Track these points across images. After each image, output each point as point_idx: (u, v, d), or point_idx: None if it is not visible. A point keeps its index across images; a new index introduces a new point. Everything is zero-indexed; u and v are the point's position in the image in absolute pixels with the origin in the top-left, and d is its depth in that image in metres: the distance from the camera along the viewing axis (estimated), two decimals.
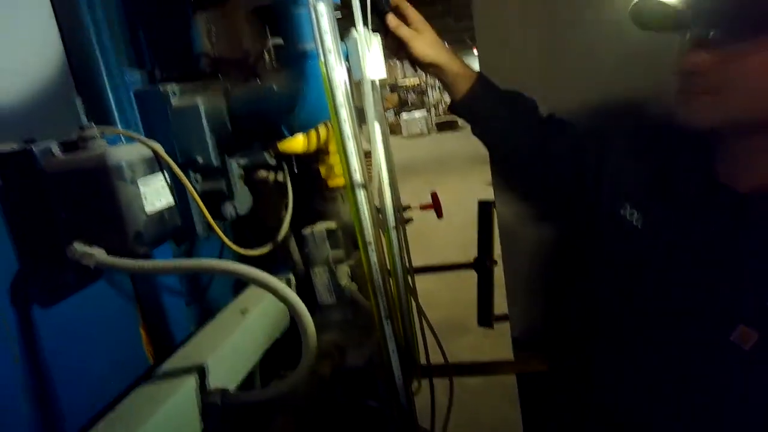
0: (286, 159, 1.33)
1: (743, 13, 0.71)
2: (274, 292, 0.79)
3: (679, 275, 0.86)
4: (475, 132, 1.26)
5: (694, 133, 0.85)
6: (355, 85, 1.03)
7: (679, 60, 0.80)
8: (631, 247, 0.96)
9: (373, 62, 1.03)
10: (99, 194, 0.80)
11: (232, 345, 1.02)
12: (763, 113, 0.74)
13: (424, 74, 21.04)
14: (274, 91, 1.06)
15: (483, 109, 1.18)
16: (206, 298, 1.30)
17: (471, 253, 2.02)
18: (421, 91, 21.20)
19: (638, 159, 1.02)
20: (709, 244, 0.82)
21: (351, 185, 0.98)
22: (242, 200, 1.29)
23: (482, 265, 1.92)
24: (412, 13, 1.13)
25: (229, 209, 1.24)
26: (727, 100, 0.75)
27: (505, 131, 1.22)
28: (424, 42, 1.13)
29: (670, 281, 0.87)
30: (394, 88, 20.54)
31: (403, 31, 1.11)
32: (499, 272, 1.86)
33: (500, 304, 1.89)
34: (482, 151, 1.33)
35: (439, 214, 1.32)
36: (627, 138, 1.09)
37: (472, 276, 2.04)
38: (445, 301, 4.88)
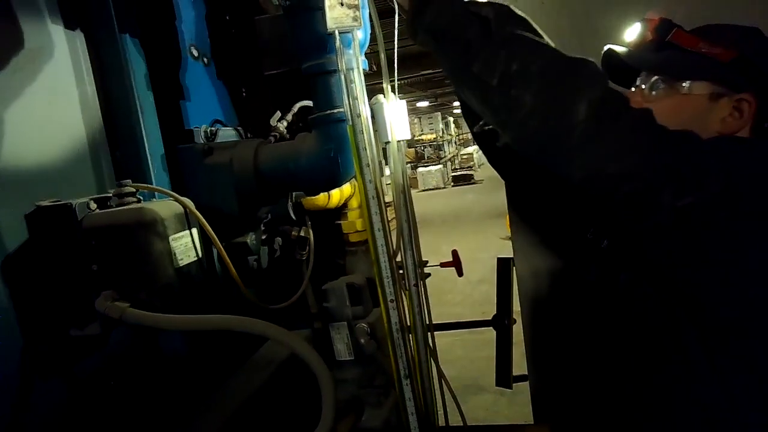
0: (309, 214, 1.35)
1: (655, 69, 0.92)
2: (297, 352, 0.79)
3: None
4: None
5: None
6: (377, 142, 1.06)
7: None
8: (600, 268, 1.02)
9: (399, 124, 1.07)
10: (132, 249, 0.82)
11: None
12: None
13: (440, 130, 21.46)
14: (302, 151, 1.10)
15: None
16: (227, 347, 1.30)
17: (486, 308, 2.00)
18: (437, 146, 21.56)
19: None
20: None
21: (374, 243, 1.00)
22: (264, 254, 1.31)
23: (501, 323, 1.89)
24: None
25: (251, 263, 1.26)
26: None
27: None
28: None
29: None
30: (411, 143, 20.93)
31: None
32: (516, 330, 1.84)
33: (517, 362, 1.86)
34: (497, 204, 1.33)
35: (460, 273, 1.32)
36: None
37: (485, 332, 2.01)
38: (458, 357, 4.78)
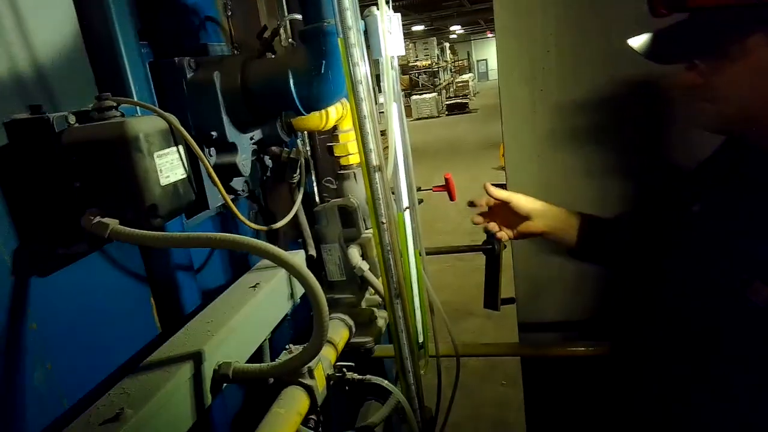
0: (300, 136, 1.32)
1: (714, 39, 0.82)
2: (288, 267, 0.79)
3: (718, 244, 0.90)
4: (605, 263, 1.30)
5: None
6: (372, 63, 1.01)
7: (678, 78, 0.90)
8: (689, 231, 0.99)
9: (393, 39, 1.02)
10: (115, 165, 0.79)
11: (241, 319, 1.02)
12: (752, 111, 0.83)
13: (436, 56, 20.84)
14: (291, 67, 1.05)
15: (602, 243, 1.19)
16: (216, 272, 1.30)
17: (475, 237, 2.01)
18: (432, 73, 21.02)
19: (711, 166, 1.03)
20: (738, 211, 0.88)
21: (367, 165, 0.97)
22: (255, 175, 1.29)
23: (491, 247, 1.91)
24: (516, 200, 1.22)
25: (240, 184, 1.24)
26: (720, 106, 0.86)
27: (628, 250, 1.19)
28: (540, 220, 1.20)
29: (709, 254, 0.91)
30: (405, 69, 20.36)
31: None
32: (506, 256, 1.87)
33: (504, 287, 1.90)
34: (492, 135, 1.31)
35: (452, 197, 1.32)
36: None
37: (476, 260, 2.03)
38: (448, 284, 4.90)
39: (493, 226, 1.25)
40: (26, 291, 0.80)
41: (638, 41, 0.91)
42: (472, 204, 1.28)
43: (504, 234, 1.24)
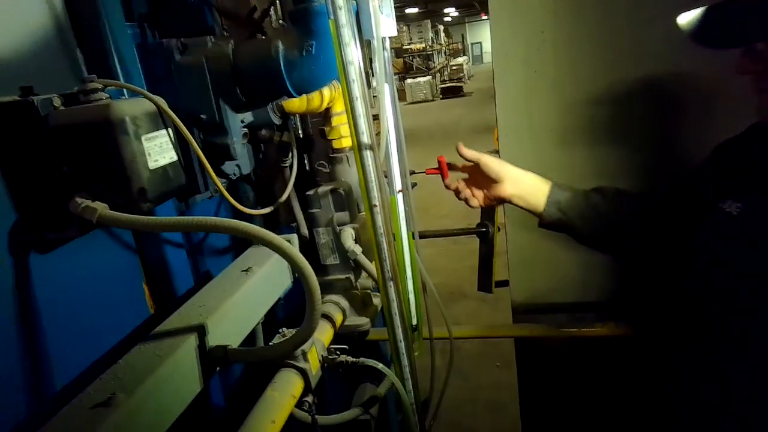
0: (291, 119, 1.30)
1: (751, 38, 0.76)
2: (279, 251, 0.78)
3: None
4: (578, 239, 1.21)
5: None
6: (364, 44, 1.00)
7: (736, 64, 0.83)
8: (726, 233, 0.91)
9: (385, 20, 1.00)
10: (102, 148, 0.78)
11: (234, 303, 1.02)
12: None
13: (430, 39, 20.66)
14: (281, 48, 1.04)
15: (569, 211, 1.16)
16: (208, 256, 1.30)
17: (471, 221, 2.02)
18: (426, 56, 20.85)
19: (737, 157, 0.97)
20: None
21: (358, 147, 0.97)
22: (246, 159, 1.27)
23: (484, 230, 1.92)
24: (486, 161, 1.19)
25: (232, 168, 1.23)
26: None
27: (603, 225, 1.15)
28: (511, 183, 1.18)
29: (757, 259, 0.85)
30: (399, 53, 20.19)
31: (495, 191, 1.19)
32: (500, 240, 1.88)
33: (500, 270, 1.91)
34: (487, 118, 1.30)
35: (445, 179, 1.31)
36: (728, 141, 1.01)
37: (469, 244, 2.03)
38: (443, 267, 4.92)
39: (457, 184, 1.23)
40: (19, 275, 0.80)
41: (687, 18, 0.83)
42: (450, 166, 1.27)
43: (475, 200, 1.23)
